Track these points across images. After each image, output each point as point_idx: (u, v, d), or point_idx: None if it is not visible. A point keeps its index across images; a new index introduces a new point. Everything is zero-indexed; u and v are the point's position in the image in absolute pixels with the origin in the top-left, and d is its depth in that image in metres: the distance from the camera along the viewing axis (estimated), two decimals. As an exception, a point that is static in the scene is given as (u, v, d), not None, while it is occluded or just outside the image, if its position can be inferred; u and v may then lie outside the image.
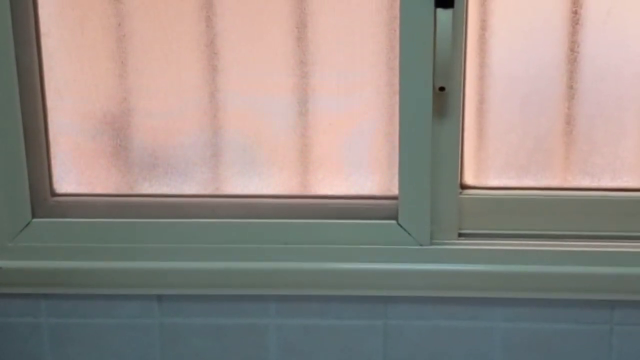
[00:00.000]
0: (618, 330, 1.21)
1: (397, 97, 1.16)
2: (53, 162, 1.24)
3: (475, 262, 1.19)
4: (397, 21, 1.13)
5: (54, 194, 1.25)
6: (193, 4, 1.17)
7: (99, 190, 1.25)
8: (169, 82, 1.20)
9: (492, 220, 1.22)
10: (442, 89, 1.12)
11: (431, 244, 1.20)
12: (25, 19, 1.17)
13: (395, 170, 1.19)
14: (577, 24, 1.16)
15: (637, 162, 1.21)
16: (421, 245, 1.20)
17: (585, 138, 1.20)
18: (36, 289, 1.23)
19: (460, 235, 1.22)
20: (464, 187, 1.22)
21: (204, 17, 1.18)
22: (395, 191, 1.21)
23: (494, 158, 1.22)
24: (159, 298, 1.23)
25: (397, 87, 1.16)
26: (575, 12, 1.15)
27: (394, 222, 1.20)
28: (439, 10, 1.09)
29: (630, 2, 1.14)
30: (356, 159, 1.22)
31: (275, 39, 1.18)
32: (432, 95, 1.14)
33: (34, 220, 1.23)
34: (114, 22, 1.18)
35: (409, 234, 1.20)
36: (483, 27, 1.17)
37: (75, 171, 1.25)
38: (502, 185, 1.22)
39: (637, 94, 1.18)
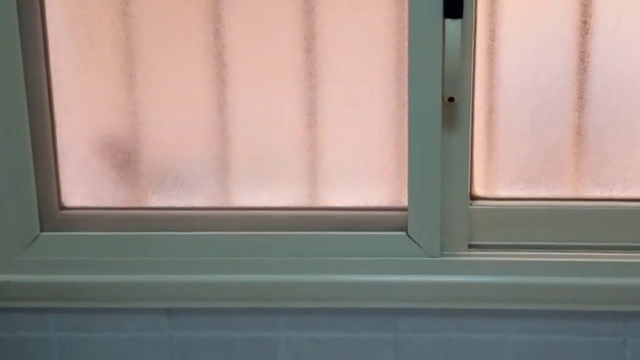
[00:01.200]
0: (632, 342, 1.20)
1: (406, 108, 1.16)
2: (62, 176, 1.24)
3: (486, 274, 1.18)
4: (406, 32, 1.13)
5: (62, 207, 1.25)
6: (201, 17, 1.17)
7: (107, 203, 1.25)
8: (177, 95, 1.20)
9: (502, 232, 1.21)
10: (451, 99, 1.12)
11: (441, 255, 1.20)
12: (34, 34, 1.18)
13: (405, 181, 1.19)
14: (587, 34, 1.15)
15: None
16: (431, 257, 1.19)
17: (596, 149, 1.19)
18: (45, 303, 1.23)
19: (470, 246, 1.21)
20: (474, 198, 1.22)
21: (213, 30, 1.18)
22: (405, 203, 1.21)
23: (504, 169, 1.21)
24: (169, 312, 1.23)
25: (406, 99, 1.16)
26: (585, 22, 1.15)
27: (404, 233, 1.20)
28: (448, 21, 1.09)
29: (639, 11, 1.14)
30: (365, 171, 1.22)
31: (284, 50, 1.18)
32: (442, 106, 1.14)
33: (43, 234, 1.23)
34: (123, 36, 1.18)
35: (419, 245, 1.19)
36: (492, 37, 1.16)
37: (83, 185, 1.25)
38: (512, 196, 1.22)
39: None
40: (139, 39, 1.18)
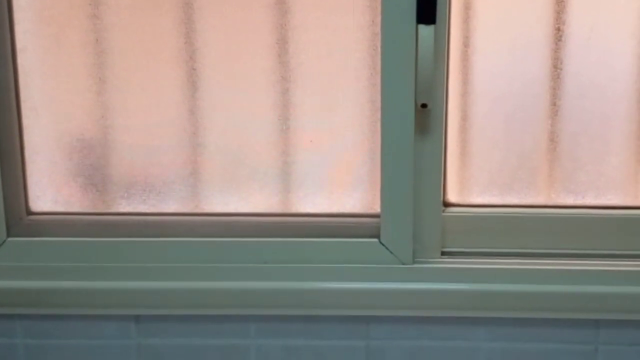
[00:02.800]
0: (603, 350, 1.20)
1: (379, 114, 1.15)
2: (29, 180, 1.23)
3: (458, 281, 1.18)
4: (379, 38, 1.13)
5: (29, 212, 1.24)
6: (172, 20, 1.16)
7: (75, 208, 1.24)
8: (147, 98, 1.19)
9: (475, 239, 1.21)
10: (424, 105, 1.11)
11: (414, 262, 1.19)
12: (0, 35, 1.16)
13: (378, 187, 1.19)
14: (560, 40, 1.15)
15: (621, 179, 1.21)
16: (404, 264, 1.19)
17: (569, 155, 1.20)
18: (11, 309, 1.21)
19: (443, 253, 1.21)
20: (447, 204, 1.22)
21: (183, 33, 1.17)
22: (377, 209, 1.20)
23: (477, 175, 1.21)
24: (137, 319, 1.22)
25: (379, 104, 1.15)
26: (559, 29, 1.15)
27: (376, 240, 1.19)
28: (421, 27, 1.09)
29: (613, 18, 1.14)
30: (338, 177, 1.21)
31: (256, 55, 1.17)
32: (414, 112, 1.13)
33: (9, 239, 1.21)
34: (92, 38, 1.17)
35: (391, 252, 1.19)
36: (465, 43, 1.16)
37: (51, 189, 1.24)
38: (485, 202, 1.22)
39: (621, 111, 1.18)
40: (108, 41, 1.17)
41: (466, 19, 1.15)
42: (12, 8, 1.16)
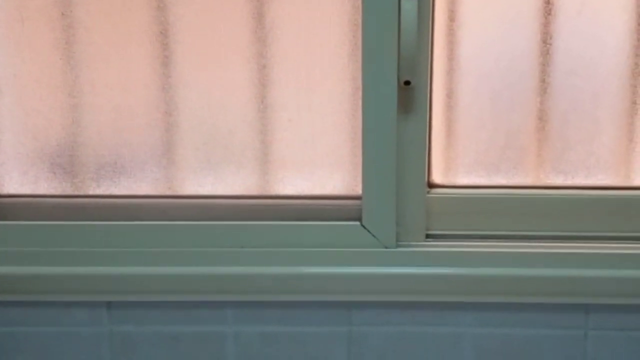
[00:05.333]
0: (593, 335, 1.20)
1: (360, 92, 1.14)
2: None
3: (443, 265, 1.17)
4: (360, 11, 1.11)
5: None
6: None
7: (43, 191, 1.22)
8: (117, 75, 1.17)
9: (461, 221, 1.20)
10: (407, 83, 1.10)
11: (397, 246, 1.18)
12: (-40, 8, 1.14)
13: (360, 168, 1.18)
14: (549, 14, 1.14)
15: (612, 159, 1.20)
16: (386, 247, 1.18)
17: (559, 134, 1.19)
18: (-23, 295, 1.20)
19: (427, 236, 1.20)
20: (431, 186, 1.21)
21: (155, 6, 1.15)
22: (359, 191, 1.19)
23: (463, 155, 1.20)
24: (109, 305, 1.21)
25: (360, 82, 1.13)
26: (548, 2, 1.14)
27: (357, 223, 1.18)
28: (404, 0, 1.06)
29: None
30: (318, 157, 1.20)
31: (232, 28, 1.15)
32: (397, 90, 1.12)
33: (-26, 223, 1.20)
34: (57, 12, 1.15)
35: (373, 235, 1.17)
36: (451, 17, 1.15)
37: (17, 171, 1.22)
38: (471, 184, 1.21)
39: (612, 89, 1.17)
40: (75, 15, 1.15)
41: (451, -8, 1.14)
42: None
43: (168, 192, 1.22)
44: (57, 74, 1.17)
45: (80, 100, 1.18)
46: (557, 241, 1.19)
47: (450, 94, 1.17)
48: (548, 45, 1.15)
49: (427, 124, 1.15)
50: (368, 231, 1.17)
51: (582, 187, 1.20)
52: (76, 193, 1.22)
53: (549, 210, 1.19)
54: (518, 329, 1.19)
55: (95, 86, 1.17)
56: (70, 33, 1.15)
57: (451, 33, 1.15)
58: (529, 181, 1.20)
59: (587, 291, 1.16)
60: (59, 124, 1.19)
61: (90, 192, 1.22)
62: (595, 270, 1.15)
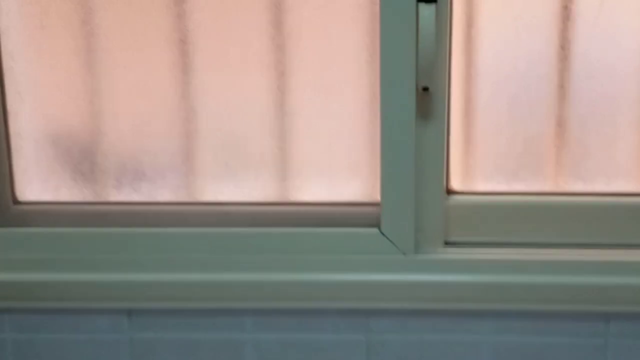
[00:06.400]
0: (613, 343, 1.19)
1: (378, 98, 1.14)
2: (15, 168, 1.22)
3: (462, 272, 1.16)
4: (378, 18, 1.11)
5: (16, 201, 1.23)
6: (162, 0, 1.15)
7: (64, 197, 1.23)
8: (137, 82, 1.18)
9: (480, 228, 1.20)
10: (425, 89, 1.10)
11: (416, 253, 1.18)
12: (-17, 16, 1.15)
13: (378, 175, 1.18)
14: (567, 19, 1.14)
15: (632, 165, 1.19)
16: (405, 254, 1.17)
17: (578, 140, 1.18)
18: (-2, 303, 1.21)
19: (446, 243, 1.20)
20: (450, 192, 1.20)
21: (176, 13, 1.15)
22: (377, 197, 1.19)
23: (482, 162, 1.20)
24: (129, 312, 1.21)
25: (378, 88, 1.14)
26: (566, 7, 1.13)
27: (376, 230, 1.17)
28: (422, 5, 1.07)
29: None
30: (336, 164, 1.20)
31: (250, 36, 1.16)
32: (415, 96, 1.12)
33: (-5, 230, 1.21)
34: (78, 19, 1.16)
35: (392, 242, 1.17)
36: (469, 23, 1.15)
37: (38, 177, 1.22)
38: (490, 190, 1.20)
39: (631, 94, 1.16)
40: (96, 23, 1.16)
41: (469, -3, 1.14)
42: (-5, -11, 1.15)
43: (188, 199, 1.22)
44: (78, 80, 1.17)
45: (100, 107, 1.18)
46: (576, 248, 1.18)
47: (468, 100, 1.17)
48: (566, 51, 1.14)
49: (446, 130, 1.15)
50: (386, 238, 1.17)
51: (601, 194, 1.19)
52: (97, 200, 1.22)
53: (568, 217, 1.18)
54: (537, 337, 1.18)
55: (116, 93, 1.18)
56: (90, 40, 1.16)
57: (469, 39, 1.15)
58: (548, 188, 1.20)
59: (608, 299, 1.15)
60: (79, 130, 1.19)
61: (111, 199, 1.22)
62: (616, 278, 1.14)
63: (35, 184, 1.22)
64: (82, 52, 1.17)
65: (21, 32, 1.16)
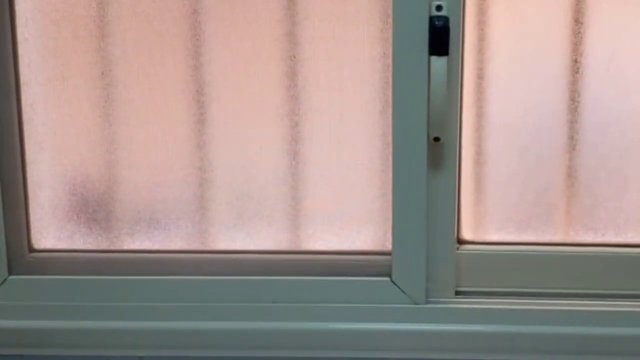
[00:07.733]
0: None
1: (390, 148, 1.15)
2: (31, 216, 1.22)
3: (473, 322, 1.16)
4: (391, 69, 1.12)
5: (32, 249, 1.23)
6: (179, 53, 1.16)
7: (79, 245, 1.23)
8: (153, 133, 1.19)
9: (491, 278, 1.19)
10: (437, 139, 1.11)
11: (427, 302, 1.17)
12: (4, 68, 1.16)
13: (389, 224, 1.17)
14: (577, 72, 1.15)
15: None
16: (416, 303, 1.17)
17: (588, 191, 1.18)
18: (12, 349, 1.20)
19: (457, 293, 1.19)
20: (461, 242, 1.20)
21: (191, 66, 1.16)
22: (389, 246, 1.19)
23: (493, 212, 1.20)
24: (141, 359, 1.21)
25: (390, 138, 1.14)
26: (576, 61, 1.14)
27: (387, 279, 1.18)
28: (434, 58, 1.08)
29: (632, 49, 1.13)
30: (348, 213, 1.20)
31: (265, 87, 1.17)
32: (427, 146, 1.12)
33: (11, 277, 1.20)
34: (97, 72, 1.17)
35: (403, 291, 1.17)
36: (480, 75, 1.16)
37: (54, 226, 1.23)
38: (501, 240, 1.20)
39: None
40: (114, 74, 1.17)
41: (480, 50, 1.14)
42: (17, 41, 1.16)
43: (201, 247, 1.22)
44: (96, 131, 1.18)
45: (117, 157, 1.19)
46: (587, 299, 1.17)
47: (479, 151, 1.17)
48: (576, 103, 1.15)
49: (457, 179, 1.15)
50: (398, 287, 1.17)
51: (612, 245, 1.19)
52: (111, 248, 1.22)
53: (578, 268, 1.18)
54: (550, 387, 1.18)
55: (133, 143, 1.18)
56: (109, 91, 1.17)
57: (480, 90, 1.15)
58: (558, 238, 1.20)
59: (620, 350, 1.15)
60: (96, 179, 1.20)
61: (125, 247, 1.22)
62: (628, 329, 1.14)
63: (51, 232, 1.23)
64: (101, 104, 1.18)
65: (42, 83, 1.17)
